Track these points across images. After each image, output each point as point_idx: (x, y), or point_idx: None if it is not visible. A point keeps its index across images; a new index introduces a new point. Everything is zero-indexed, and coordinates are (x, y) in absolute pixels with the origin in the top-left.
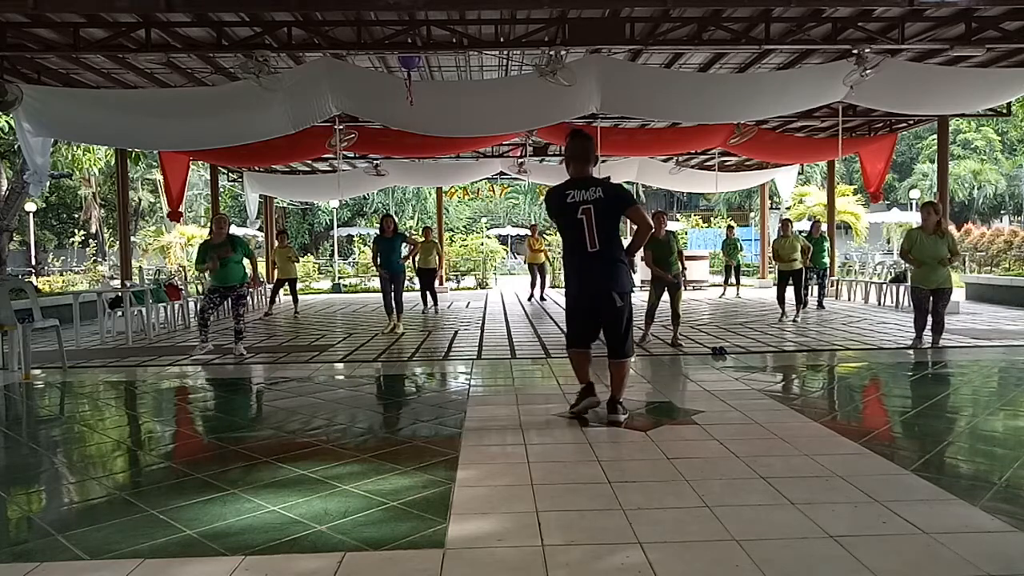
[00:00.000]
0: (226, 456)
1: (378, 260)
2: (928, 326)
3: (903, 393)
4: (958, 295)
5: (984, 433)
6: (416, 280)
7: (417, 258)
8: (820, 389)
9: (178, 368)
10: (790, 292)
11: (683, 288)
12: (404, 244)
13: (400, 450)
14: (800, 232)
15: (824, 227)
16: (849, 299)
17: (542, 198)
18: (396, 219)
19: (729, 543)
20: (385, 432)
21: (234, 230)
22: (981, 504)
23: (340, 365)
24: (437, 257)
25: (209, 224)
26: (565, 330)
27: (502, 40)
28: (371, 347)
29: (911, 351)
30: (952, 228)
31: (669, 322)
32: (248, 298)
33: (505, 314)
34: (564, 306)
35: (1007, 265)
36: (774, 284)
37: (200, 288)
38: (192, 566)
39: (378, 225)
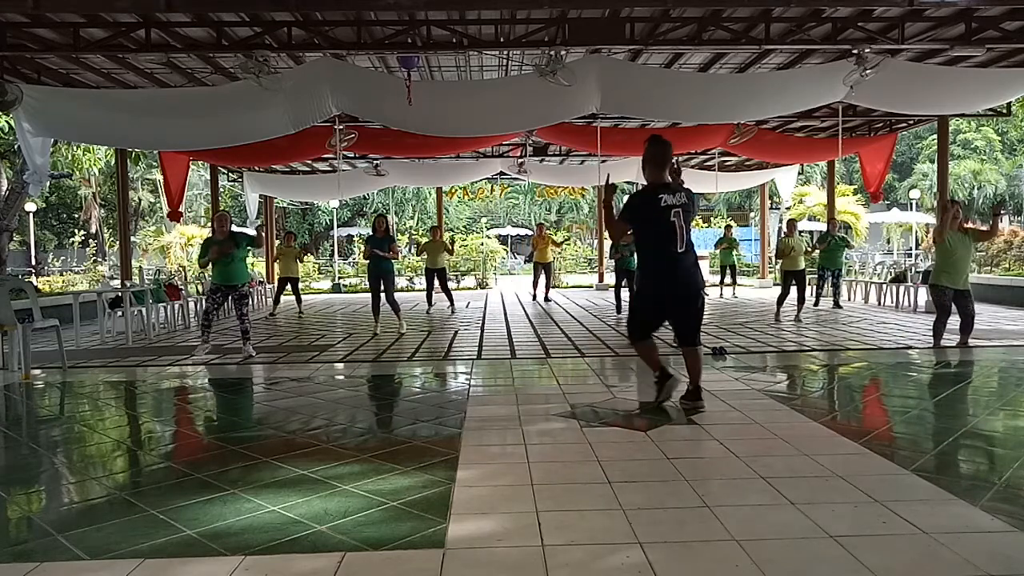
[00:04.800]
0: (226, 456)
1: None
2: (943, 327)
3: (903, 393)
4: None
5: (984, 433)
6: (417, 280)
7: (425, 258)
8: (820, 389)
9: (178, 368)
10: (793, 293)
11: None
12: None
13: (400, 450)
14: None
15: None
16: (849, 299)
17: (542, 198)
18: (388, 220)
19: (729, 543)
20: (385, 432)
21: (234, 230)
22: (981, 504)
23: (340, 365)
24: (447, 256)
25: (211, 223)
26: (629, 325)
27: (502, 40)
28: (371, 347)
29: (911, 351)
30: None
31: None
32: (249, 296)
33: (505, 314)
34: (633, 302)
35: (1007, 265)
36: (776, 284)
37: (200, 288)
38: (192, 566)
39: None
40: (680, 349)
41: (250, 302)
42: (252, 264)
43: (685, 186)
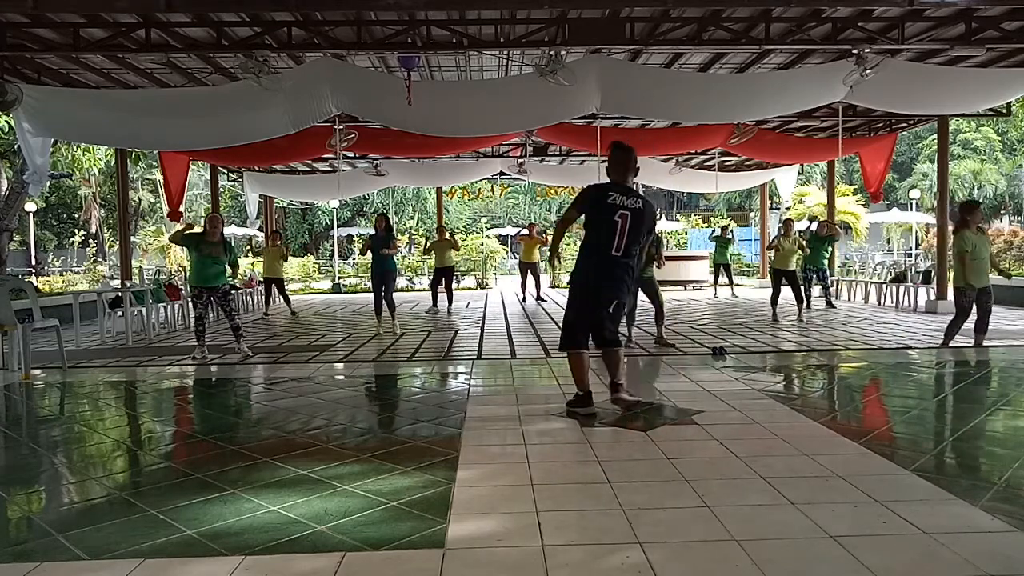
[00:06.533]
0: (226, 456)
1: (369, 254)
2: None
3: (903, 393)
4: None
5: (984, 433)
6: (416, 280)
7: (433, 257)
8: (820, 389)
9: (178, 368)
10: (786, 292)
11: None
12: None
13: (400, 450)
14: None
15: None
16: (849, 299)
17: (542, 198)
18: (389, 219)
19: (729, 543)
20: (385, 432)
21: (234, 230)
22: (981, 504)
23: (340, 365)
24: (454, 252)
25: (204, 224)
26: (563, 328)
27: (502, 40)
28: (371, 347)
29: (912, 351)
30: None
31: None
32: (232, 295)
33: (505, 314)
34: (567, 302)
35: (1007, 265)
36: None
37: None
38: (192, 566)
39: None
40: (598, 350)
41: (235, 298)
42: (252, 264)
43: (645, 197)
